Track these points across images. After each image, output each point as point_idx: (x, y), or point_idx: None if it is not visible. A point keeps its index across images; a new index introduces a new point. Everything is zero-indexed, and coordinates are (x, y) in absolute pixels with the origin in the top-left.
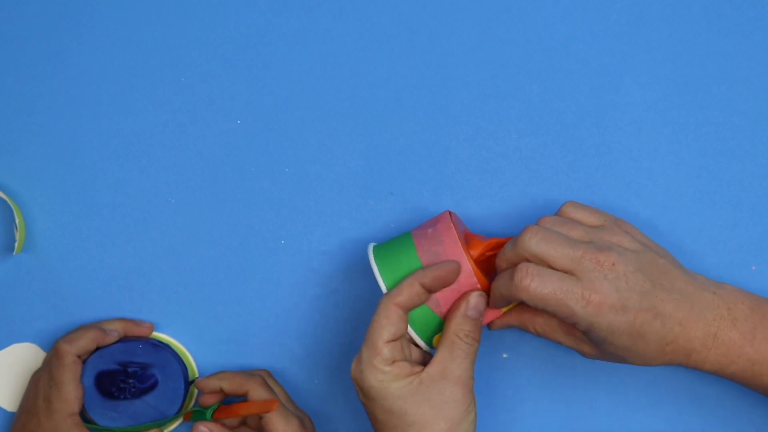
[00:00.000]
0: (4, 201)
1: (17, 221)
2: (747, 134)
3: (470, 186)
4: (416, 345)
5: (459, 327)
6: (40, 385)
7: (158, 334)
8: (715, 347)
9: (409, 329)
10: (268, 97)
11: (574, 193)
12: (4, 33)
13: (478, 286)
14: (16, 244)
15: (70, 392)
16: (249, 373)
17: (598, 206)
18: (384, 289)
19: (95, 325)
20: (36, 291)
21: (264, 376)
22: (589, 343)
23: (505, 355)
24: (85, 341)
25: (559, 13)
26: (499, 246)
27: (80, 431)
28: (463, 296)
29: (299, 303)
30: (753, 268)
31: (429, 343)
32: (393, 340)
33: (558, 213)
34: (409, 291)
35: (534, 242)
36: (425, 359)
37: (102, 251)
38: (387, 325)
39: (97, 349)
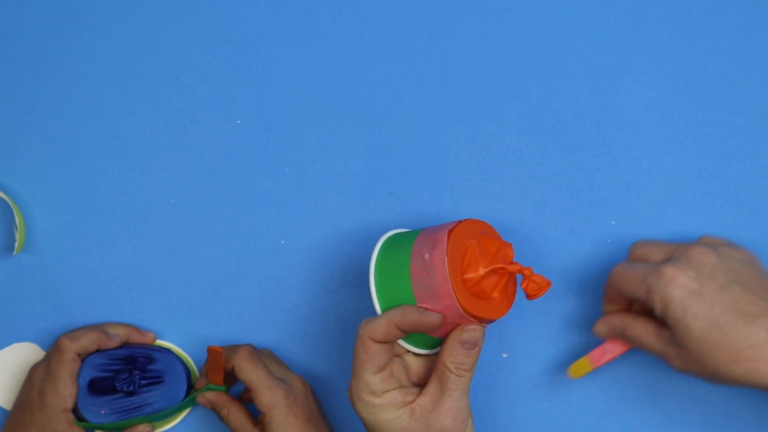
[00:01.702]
0: (4, 201)
1: (17, 221)
2: (747, 134)
3: (470, 186)
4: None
5: (450, 358)
6: (35, 378)
7: (161, 342)
8: None
9: (402, 342)
10: (268, 97)
11: (574, 193)
12: (4, 33)
13: (469, 320)
14: (16, 244)
15: (65, 388)
16: (233, 348)
17: (598, 206)
18: (378, 311)
19: (99, 326)
20: (36, 291)
21: (251, 347)
22: (675, 345)
23: (505, 355)
24: (87, 341)
25: (559, 13)
26: (505, 258)
27: (71, 428)
28: (458, 327)
29: (299, 303)
30: None
31: (428, 347)
32: (378, 372)
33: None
34: (385, 330)
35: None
36: (426, 376)
37: (102, 251)
38: (368, 359)
39: (98, 351)
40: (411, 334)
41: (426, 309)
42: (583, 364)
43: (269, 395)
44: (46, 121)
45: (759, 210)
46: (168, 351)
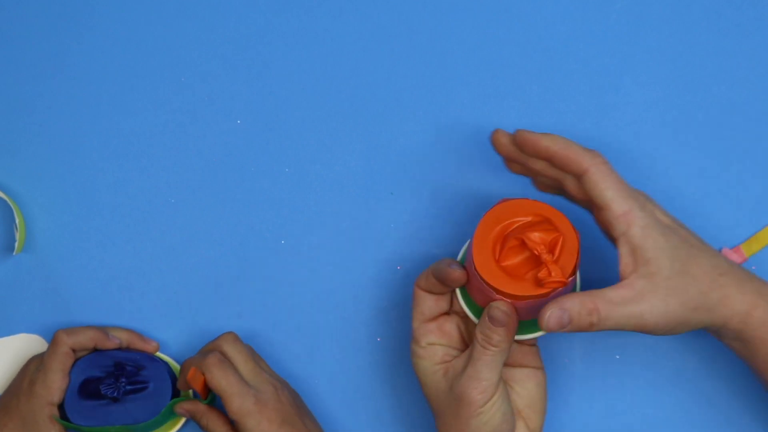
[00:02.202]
0: (4, 201)
1: (17, 221)
2: (747, 134)
3: (470, 186)
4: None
5: (479, 328)
6: (29, 368)
7: (161, 354)
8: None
9: (462, 304)
10: (268, 97)
11: None
12: (4, 33)
13: (497, 297)
14: (16, 244)
15: (55, 381)
16: (204, 352)
17: None
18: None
19: (101, 327)
20: (36, 291)
21: (221, 346)
22: (647, 294)
23: None
24: (84, 338)
25: (559, 13)
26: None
27: (51, 423)
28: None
29: (299, 303)
30: (753, 268)
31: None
32: (424, 321)
33: None
34: (425, 277)
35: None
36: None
37: (102, 251)
38: (414, 306)
39: (95, 350)
40: (474, 305)
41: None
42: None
43: (239, 402)
44: (46, 121)
45: (759, 210)
46: (161, 362)
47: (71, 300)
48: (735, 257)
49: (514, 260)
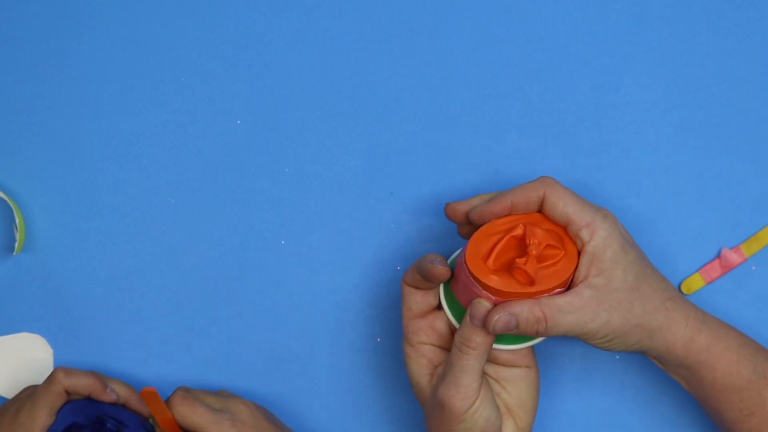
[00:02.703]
0: (4, 201)
1: (17, 221)
2: (747, 134)
3: (470, 186)
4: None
5: (459, 333)
6: (24, 394)
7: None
8: (693, 323)
9: (446, 310)
10: (268, 97)
11: None
12: (4, 33)
13: (483, 293)
14: (16, 244)
15: (40, 416)
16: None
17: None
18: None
19: (102, 376)
20: (36, 291)
21: (182, 389)
22: (594, 292)
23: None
24: (81, 383)
25: (559, 13)
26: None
27: None
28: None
29: (299, 303)
30: (753, 268)
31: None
32: (413, 318)
33: None
34: (411, 273)
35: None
36: None
37: (102, 251)
38: (403, 302)
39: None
40: (457, 309)
41: (435, 262)
42: (696, 280)
43: (217, 430)
44: (46, 121)
45: (759, 210)
46: (147, 424)
47: (71, 300)
48: (735, 257)
49: (505, 258)
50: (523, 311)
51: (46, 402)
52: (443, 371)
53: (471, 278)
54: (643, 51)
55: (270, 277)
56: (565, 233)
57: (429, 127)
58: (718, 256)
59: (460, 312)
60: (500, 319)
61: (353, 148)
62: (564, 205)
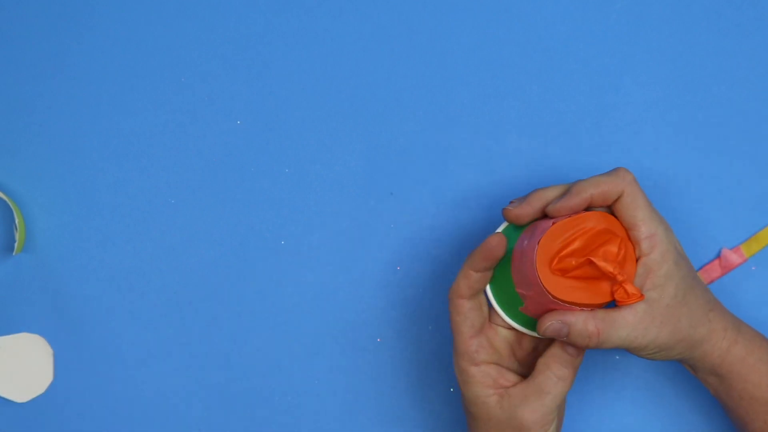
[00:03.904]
0: (4, 201)
1: (17, 221)
2: (747, 134)
3: (470, 186)
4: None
5: (558, 361)
6: None
7: None
8: (730, 336)
9: (496, 306)
10: (268, 97)
11: None
12: (4, 33)
13: (558, 304)
14: (16, 245)
15: None
16: None
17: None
18: (495, 306)
19: None
20: (36, 291)
21: None
22: (647, 307)
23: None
24: None
25: (559, 13)
26: (605, 255)
27: None
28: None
29: (299, 303)
30: (753, 268)
31: (525, 324)
32: (475, 335)
33: None
34: (463, 279)
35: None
36: (527, 362)
37: (102, 251)
38: (461, 321)
39: None
40: (505, 302)
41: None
42: None
43: None
44: (46, 121)
45: (759, 210)
46: None
47: (71, 300)
48: (735, 257)
49: (575, 272)
50: (578, 323)
51: None
52: (520, 395)
53: (540, 283)
54: (643, 51)
55: (270, 277)
56: (616, 232)
57: (429, 127)
58: (718, 256)
59: (504, 295)
60: (552, 326)
61: (353, 148)
62: (635, 208)
